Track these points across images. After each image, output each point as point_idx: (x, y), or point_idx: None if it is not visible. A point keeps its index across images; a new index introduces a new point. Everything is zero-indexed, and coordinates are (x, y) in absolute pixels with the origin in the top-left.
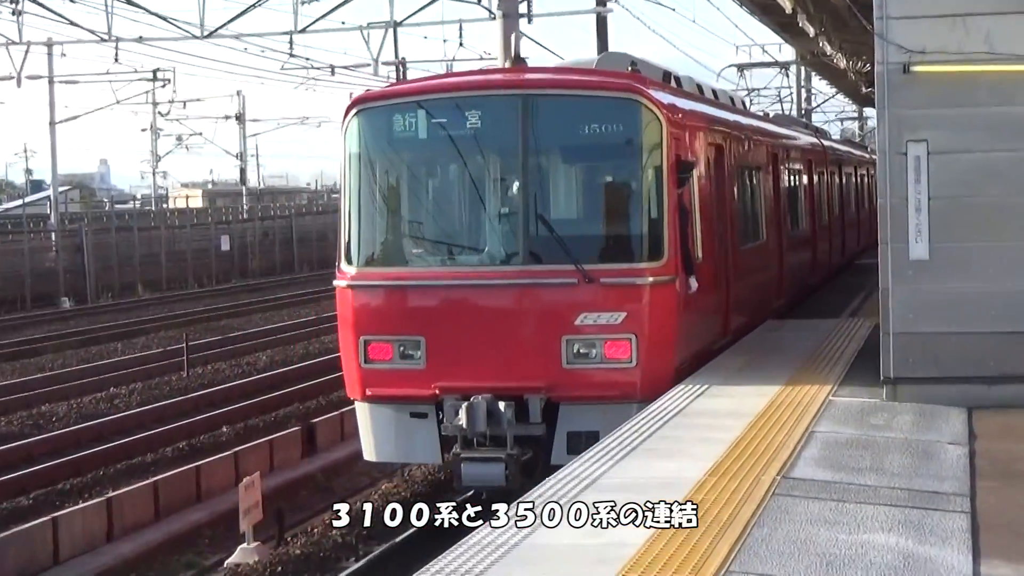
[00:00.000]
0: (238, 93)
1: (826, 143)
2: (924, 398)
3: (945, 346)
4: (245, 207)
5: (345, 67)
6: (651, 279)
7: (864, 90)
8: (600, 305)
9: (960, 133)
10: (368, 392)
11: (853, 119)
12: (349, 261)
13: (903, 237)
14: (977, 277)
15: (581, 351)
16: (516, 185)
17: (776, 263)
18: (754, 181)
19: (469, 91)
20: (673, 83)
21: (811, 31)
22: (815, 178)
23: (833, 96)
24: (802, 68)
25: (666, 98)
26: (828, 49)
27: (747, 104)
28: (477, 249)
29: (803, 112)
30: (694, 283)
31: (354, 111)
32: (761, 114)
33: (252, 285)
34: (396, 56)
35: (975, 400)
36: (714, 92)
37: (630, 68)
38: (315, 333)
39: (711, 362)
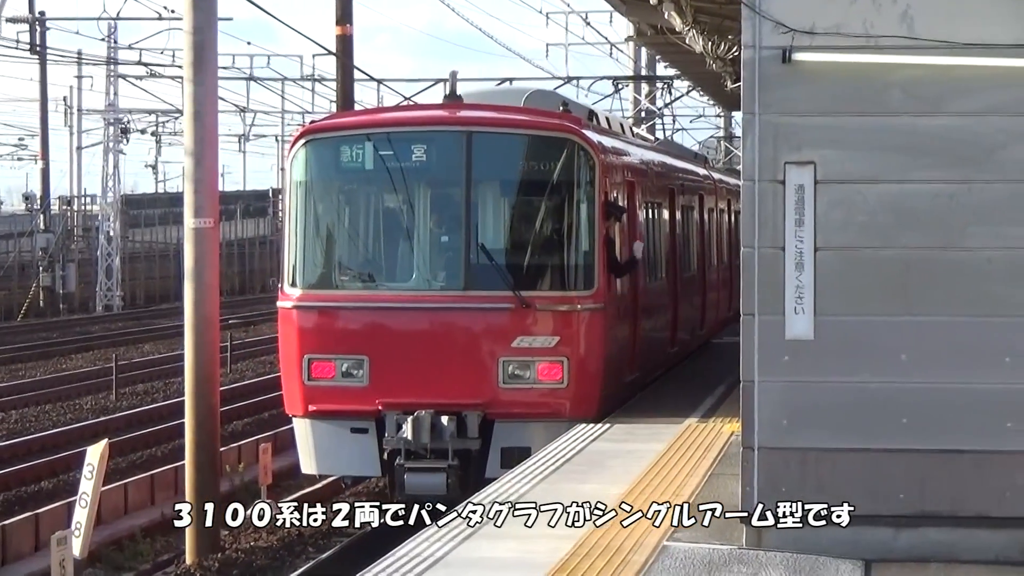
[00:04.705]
0: None
1: (715, 175)
2: (802, 545)
3: (835, 469)
4: None
5: None
6: (582, 306)
7: (730, 86)
8: (535, 329)
9: (863, 154)
10: (310, 408)
11: (714, 131)
12: (293, 284)
13: (776, 306)
14: (883, 367)
15: (516, 372)
16: (458, 215)
17: (671, 307)
18: (656, 218)
19: (415, 126)
20: (595, 121)
21: None
22: (706, 216)
23: (687, 93)
24: (642, 50)
25: (596, 137)
26: (678, 23)
27: (633, 129)
28: (420, 274)
29: (642, 116)
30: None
31: (302, 141)
32: (652, 141)
33: None
34: (31, 11)
35: (877, 549)
36: (608, 121)
37: (561, 107)
38: None
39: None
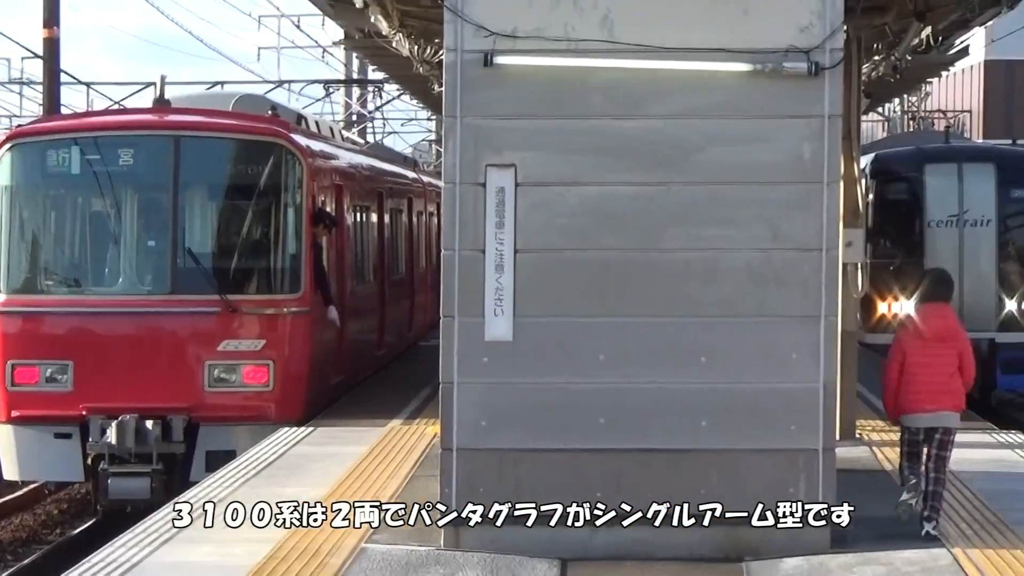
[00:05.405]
0: None
1: (425, 178)
2: (499, 545)
3: (533, 470)
4: None
5: None
6: (288, 310)
7: (437, 89)
8: (241, 333)
9: (564, 157)
10: (13, 414)
11: (425, 134)
12: None
13: (476, 308)
14: (582, 367)
15: (222, 376)
16: (165, 219)
17: (379, 310)
18: (364, 221)
19: (123, 130)
20: (305, 125)
21: None
22: (415, 219)
23: (397, 97)
24: (353, 54)
25: (304, 141)
26: (384, 27)
27: (343, 133)
28: (126, 279)
29: (353, 120)
30: (334, 312)
31: (7, 146)
32: (363, 144)
33: None
34: None
35: (573, 548)
36: (317, 124)
37: (270, 111)
38: None
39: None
